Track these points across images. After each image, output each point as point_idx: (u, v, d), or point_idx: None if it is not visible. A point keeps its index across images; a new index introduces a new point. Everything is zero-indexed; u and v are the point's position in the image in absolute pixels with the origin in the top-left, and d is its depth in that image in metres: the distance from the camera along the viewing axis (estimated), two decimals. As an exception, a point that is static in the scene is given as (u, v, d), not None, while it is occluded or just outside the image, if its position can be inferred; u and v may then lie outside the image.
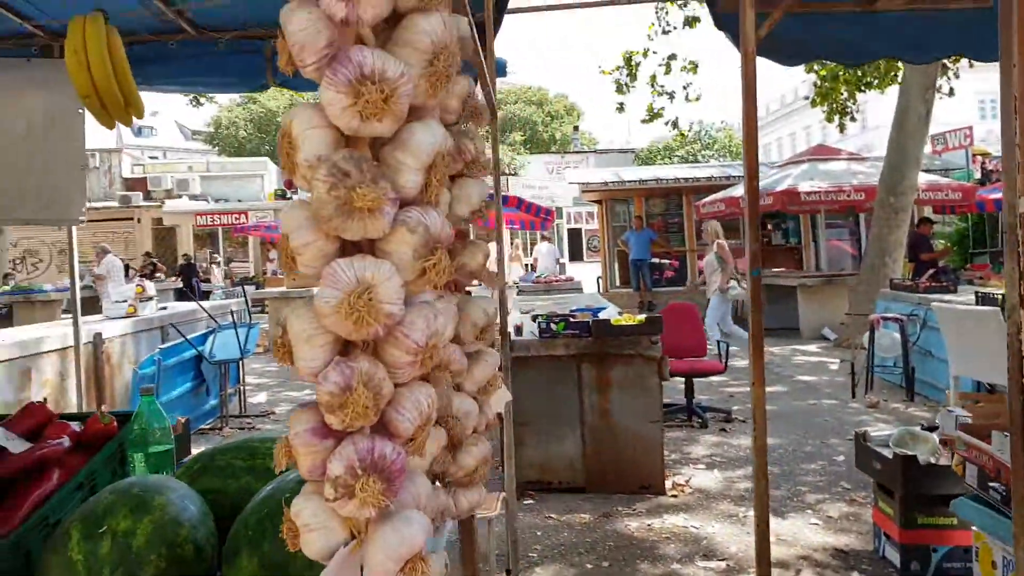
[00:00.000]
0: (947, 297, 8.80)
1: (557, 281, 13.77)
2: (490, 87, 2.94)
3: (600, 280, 20.29)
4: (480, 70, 2.46)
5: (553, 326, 6.18)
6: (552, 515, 5.79)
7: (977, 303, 8.11)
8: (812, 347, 13.42)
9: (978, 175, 20.19)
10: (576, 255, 43.40)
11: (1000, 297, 7.67)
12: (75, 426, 2.13)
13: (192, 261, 24.01)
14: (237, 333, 9.05)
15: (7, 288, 17.99)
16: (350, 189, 1.09)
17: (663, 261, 18.80)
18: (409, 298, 1.19)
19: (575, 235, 45.66)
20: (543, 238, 23.36)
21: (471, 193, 1.79)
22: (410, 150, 1.20)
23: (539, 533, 5.47)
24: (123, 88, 4.04)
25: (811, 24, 4.51)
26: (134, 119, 4.33)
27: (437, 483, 1.73)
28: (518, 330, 6.39)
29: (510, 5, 4.50)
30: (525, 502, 6.04)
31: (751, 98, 3.31)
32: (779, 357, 12.48)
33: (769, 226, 17.86)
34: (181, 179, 29.84)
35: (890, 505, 4.60)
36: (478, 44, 2.20)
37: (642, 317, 6.31)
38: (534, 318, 6.53)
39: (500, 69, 4.40)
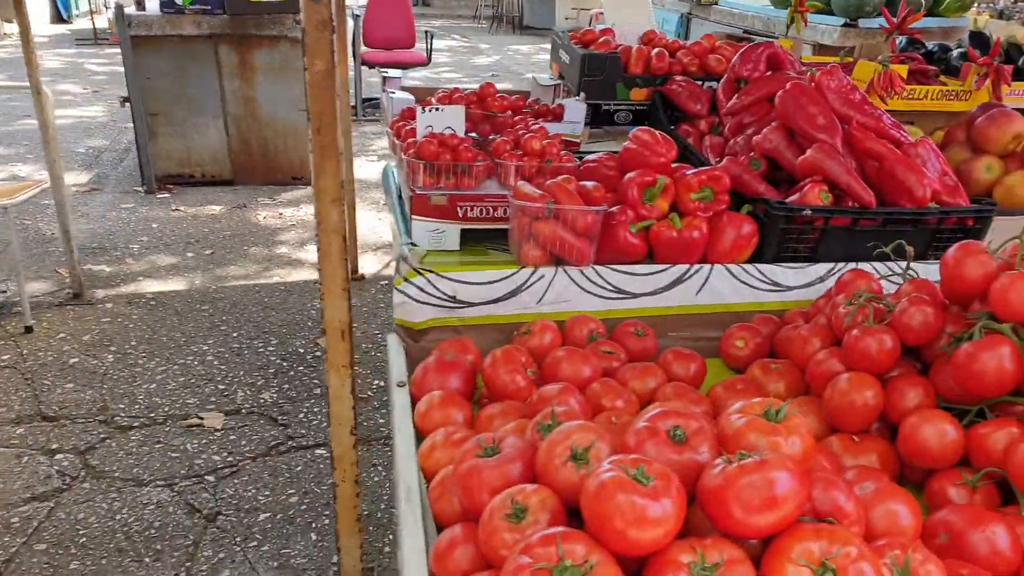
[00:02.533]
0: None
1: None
2: None
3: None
4: None
5: (177, 0, 5.44)
6: (182, 208, 5.55)
7: None
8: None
9: None
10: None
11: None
12: None
13: None
14: None
15: None
16: None
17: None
18: None
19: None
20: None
21: None
22: None
23: (154, 226, 5.23)
24: None
25: None
26: None
27: None
28: (138, 3, 5.58)
29: None
30: (159, 195, 5.73)
31: None
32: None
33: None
34: None
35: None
36: None
37: (283, -6, 5.66)
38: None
39: None
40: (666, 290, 1.88)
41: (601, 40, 2.69)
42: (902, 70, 2.36)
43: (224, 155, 5.93)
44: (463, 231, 1.96)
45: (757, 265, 1.92)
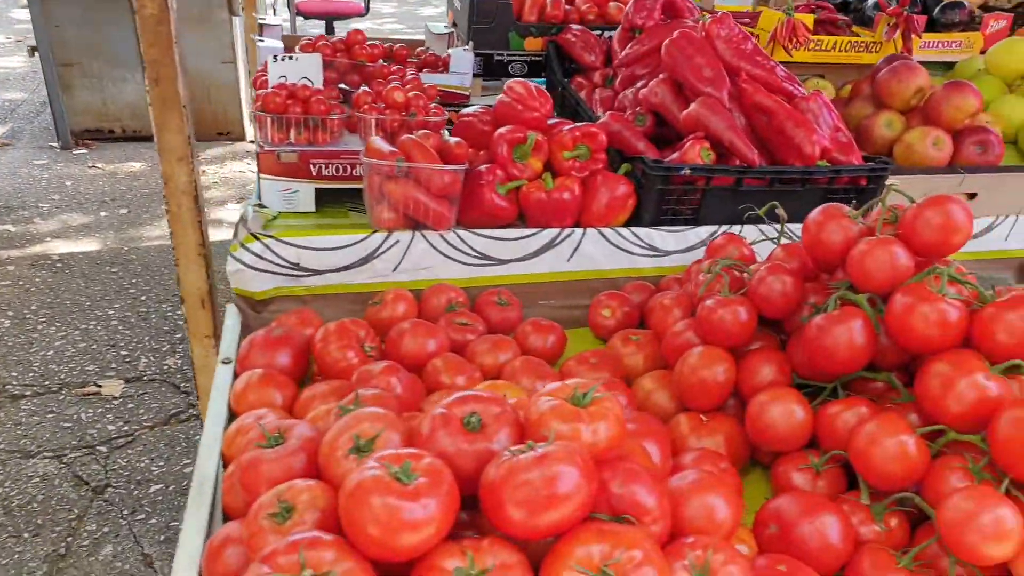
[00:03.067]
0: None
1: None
2: None
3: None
4: None
5: (88, -58, 5.10)
6: (99, 164, 5.29)
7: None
8: None
9: None
10: None
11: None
12: None
13: None
14: None
15: None
16: None
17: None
18: None
19: None
20: None
21: None
22: None
23: (68, 184, 4.98)
24: None
25: None
26: None
27: None
28: (48, -54, 5.23)
29: None
30: (76, 151, 5.46)
31: None
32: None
33: None
34: None
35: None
36: None
37: (201, -63, 5.34)
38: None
39: None
40: (535, 256, 1.75)
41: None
42: (808, 19, 2.22)
43: (144, 109, 5.60)
44: (320, 191, 1.81)
45: (633, 228, 1.79)
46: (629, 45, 2.15)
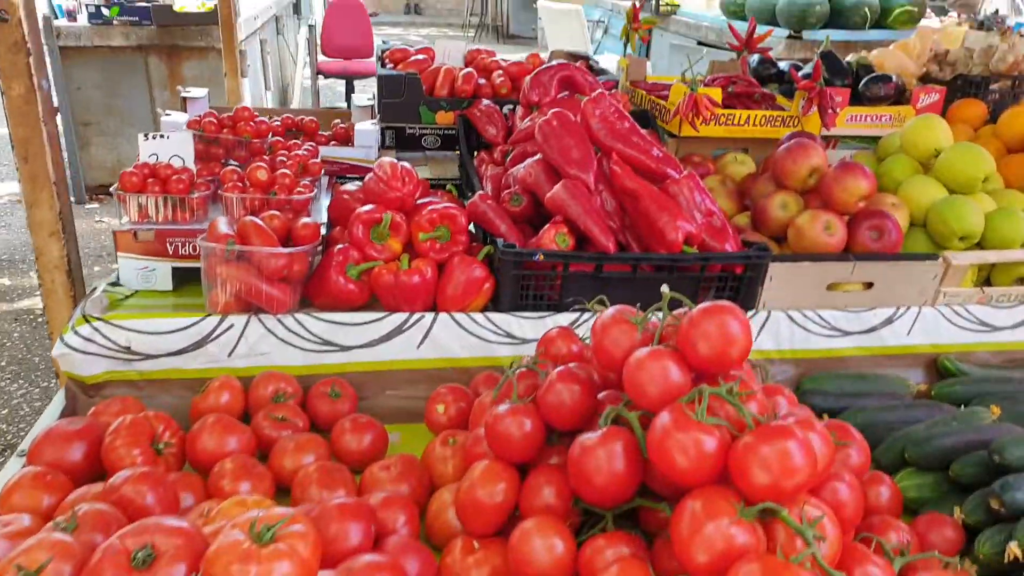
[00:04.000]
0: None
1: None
2: None
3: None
4: None
5: (105, 11, 5.35)
6: (106, 219, 5.46)
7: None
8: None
9: None
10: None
11: (656, 3, 7.38)
12: None
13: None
14: None
15: None
16: None
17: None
18: None
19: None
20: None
21: None
22: None
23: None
24: None
25: None
26: None
27: None
28: (70, 15, 5.50)
29: None
30: (88, 206, 5.66)
31: None
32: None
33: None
34: None
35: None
36: None
37: (211, 4, 5.55)
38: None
39: None
40: (382, 341, 1.68)
41: (413, 59, 2.49)
42: (715, 93, 2.12)
43: (156, 166, 5.82)
44: (178, 269, 1.78)
45: (488, 314, 1.71)
46: (524, 121, 2.10)
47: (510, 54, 2.82)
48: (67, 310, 1.93)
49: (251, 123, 2.00)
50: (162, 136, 1.86)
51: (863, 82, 2.27)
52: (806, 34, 5.20)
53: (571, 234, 1.70)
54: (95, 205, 5.69)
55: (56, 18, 5.37)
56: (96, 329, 1.59)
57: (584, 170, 1.75)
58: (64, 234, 1.87)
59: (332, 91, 9.21)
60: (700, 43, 6.43)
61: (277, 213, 1.70)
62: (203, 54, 5.57)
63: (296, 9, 9.05)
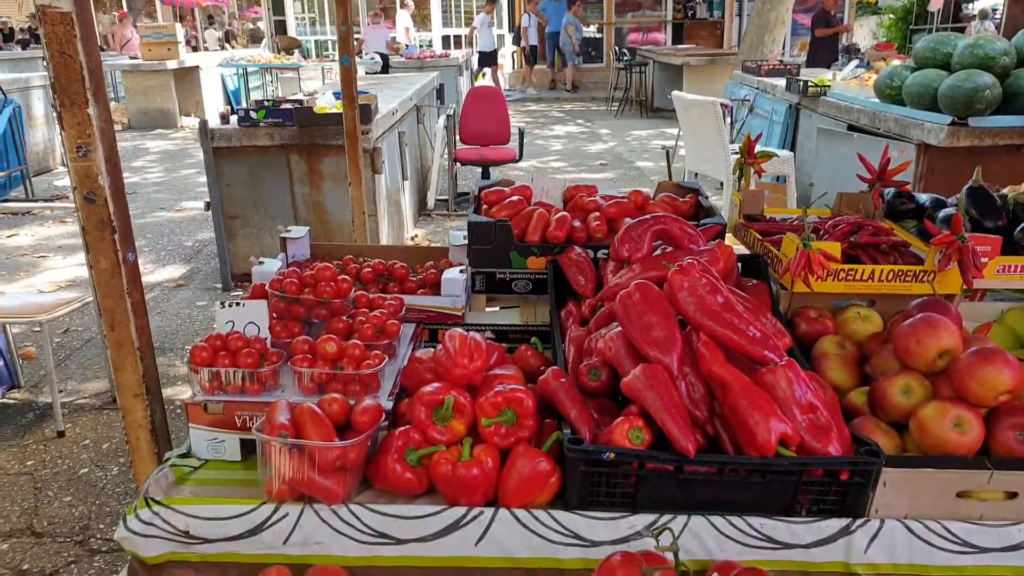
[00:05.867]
0: (779, 82, 8.14)
1: (430, 56, 12.90)
2: None
3: (515, 55, 19.03)
4: None
5: (253, 114, 5.76)
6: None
7: (787, 89, 7.52)
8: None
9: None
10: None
11: (804, 84, 7.07)
12: None
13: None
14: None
15: None
16: None
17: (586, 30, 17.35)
18: None
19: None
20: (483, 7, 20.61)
21: None
22: None
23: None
24: None
25: None
26: None
27: None
28: (223, 118, 5.97)
29: None
30: (233, 293, 6.01)
31: None
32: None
33: (695, -4, 16.45)
34: None
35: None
36: None
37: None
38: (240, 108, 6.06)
39: None
40: (437, 537, 1.57)
41: (508, 201, 2.42)
42: (833, 247, 1.89)
43: (294, 256, 6.14)
44: (246, 441, 1.77)
45: (553, 512, 1.56)
46: (614, 278, 1.96)
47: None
48: (152, 466, 1.97)
49: (331, 283, 1.98)
50: (238, 304, 1.88)
51: (1021, 227, 1.96)
52: (972, 121, 4.72)
53: (647, 428, 1.54)
54: (239, 292, 6.04)
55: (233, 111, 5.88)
56: (156, 513, 1.59)
57: (666, 352, 1.58)
58: (148, 395, 1.91)
59: (471, 172, 9.43)
60: (851, 127, 6.05)
61: (338, 396, 1.65)
62: (340, 152, 5.82)
63: (439, 95, 9.42)
